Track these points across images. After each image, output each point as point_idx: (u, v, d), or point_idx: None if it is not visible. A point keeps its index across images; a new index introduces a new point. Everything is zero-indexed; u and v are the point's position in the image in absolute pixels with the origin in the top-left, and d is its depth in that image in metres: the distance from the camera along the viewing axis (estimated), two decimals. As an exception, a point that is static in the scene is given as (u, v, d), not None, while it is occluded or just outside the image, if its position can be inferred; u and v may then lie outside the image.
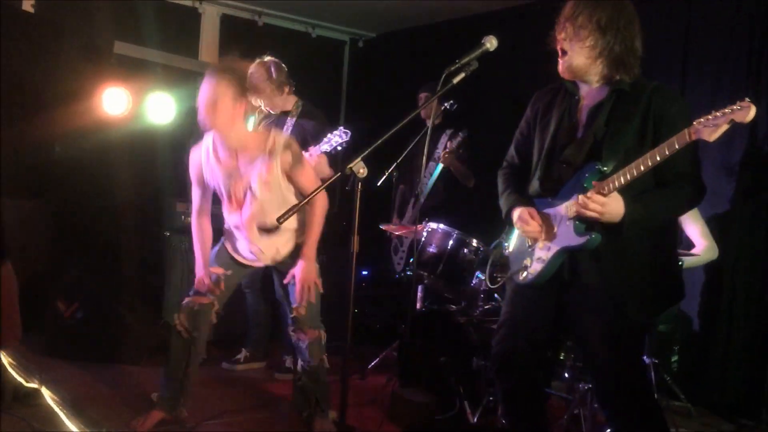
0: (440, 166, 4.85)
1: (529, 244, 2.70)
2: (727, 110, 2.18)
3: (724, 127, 2.20)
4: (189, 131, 4.65)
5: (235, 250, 3.56)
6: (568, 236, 2.54)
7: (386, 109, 6.32)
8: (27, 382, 3.81)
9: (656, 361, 3.58)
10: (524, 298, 2.71)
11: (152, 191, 5.45)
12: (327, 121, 4.49)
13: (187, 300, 3.46)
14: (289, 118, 4.47)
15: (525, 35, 5.11)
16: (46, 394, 3.73)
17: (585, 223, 2.50)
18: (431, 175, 4.98)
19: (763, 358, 3.96)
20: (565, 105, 2.68)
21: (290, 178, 3.39)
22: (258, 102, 4.35)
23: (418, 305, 4.54)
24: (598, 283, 2.51)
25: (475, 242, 4.05)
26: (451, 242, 4.06)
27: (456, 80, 2.53)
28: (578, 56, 2.54)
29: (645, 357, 3.53)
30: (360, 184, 2.39)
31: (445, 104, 4.64)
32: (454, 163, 4.82)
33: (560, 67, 2.60)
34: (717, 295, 4.38)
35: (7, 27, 4.48)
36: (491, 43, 2.57)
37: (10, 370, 3.83)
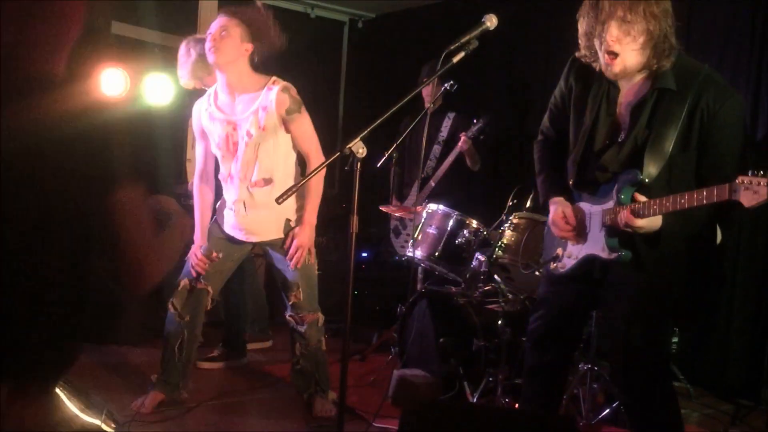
0: (455, 150, 4.81)
1: None
2: None
3: (763, 200, 2.04)
4: (188, 112, 4.61)
5: (228, 223, 3.49)
6: (598, 245, 2.47)
7: (386, 90, 6.29)
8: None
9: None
10: (559, 284, 2.68)
11: (150, 172, 5.42)
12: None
13: (182, 284, 3.45)
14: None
15: (526, 14, 5.08)
16: (47, 375, 3.73)
17: (617, 237, 2.41)
18: (436, 158, 4.96)
19: (763, 339, 3.96)
20: (602, 93, 2.48)
21: (287, 128, 3.36)
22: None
23: (418, 286, 4.54)
24: (638, 292, 2.45)
25: (475, 223, 4.04)
26: (450, 223, 4.04)
27: (456, 59, 2.50)
28: (633, 56, 2.31)
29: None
30: (359, 164, 2.37)
31: (446, 85, 4.60)
32: (471, 149, 4.79)
33: (612, 71, 2.37)
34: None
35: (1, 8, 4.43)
36: (491, 21, 2.52)
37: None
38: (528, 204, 3.86)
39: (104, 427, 3.17)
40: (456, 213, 4.07)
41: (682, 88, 2.32)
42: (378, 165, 4.73)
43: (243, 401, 3.70)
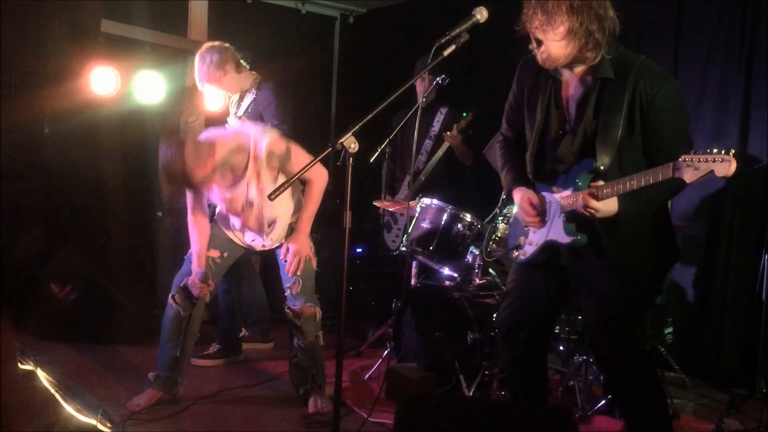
0: (445, 145, 4.81)
1: (525, 224, 2.72)
2: (710, 158, 2.17)
3: (705, 175, 2.18)
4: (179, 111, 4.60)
5: (233, 232, 3.57)
6: (558, 232, 2.58)
7: (378, 85, 6.28)
8: (22, 364, 3.81)
9: (651, 332, 3.59)
10: (525, 273, 2.76)
11: (142, 171, 5.42)
12: (282, 92, 4.25)
13: (184, 281, 3.46)
14: (248, 94, 4.24)
15: (516, 7, 5.07)
16: (42, 376, 3.73)
17: (575, 222, 2.52)
18: (428, 153, 4.95)
19: (756, 328, 3.97)
20: (549, 90, 2.60)
21: (285, 174, 3.39)
22: (218, 90, 4.20)
23: (413, 281, 4.54)
24: (604, 274, 2.52)
25: (469, 217, 4.04)
26: (444, 217, 4.04)
27: (447, 53, 2.50)
28: (555, 47, 2.42)
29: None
30: (351, 159, 2.37)
31: (437, 79, 4.59)
32: (461, 144, 4.79)
33: (539, 59, 2.49)
34: (711, 266, 4.39)
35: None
36: (482, 14, 2.53)
37: (6, 353, 3.82)
38: None
39: (100, 426, 3.18)
40: (450, 207, 4.07)
41: (620, 77, 2.44)
42: (371, 160, 4.73)
43: (239, 398, 3.70)
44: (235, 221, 3.54)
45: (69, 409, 3.35)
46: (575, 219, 2.52)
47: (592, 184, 2.43)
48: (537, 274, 2.71)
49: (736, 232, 4.26)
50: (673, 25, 4.51)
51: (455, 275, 4.09)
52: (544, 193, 2.65)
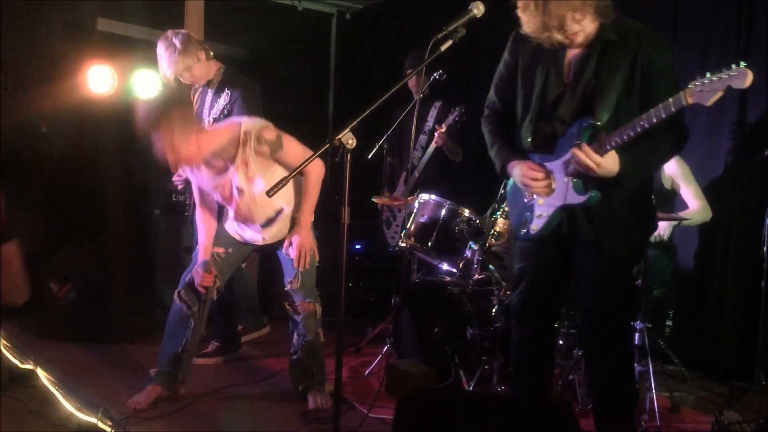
0: (433, 144, 4.81)
1: (527, 199, 2.74)
2: (723, 75, 2.17)
3: (720, 93, 2.20)
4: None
5: (236, 230, 3.57)
6: (567, 194, 2.58)
7: (376, 81, 6.27)
8: (22, 363, 3.82)
9: (649, 326, 3.59)
10: (531, 253, 2.79)
11: (140, 170, 5.41)
12: (255, 86, 4.09)
13: (190, 276, 3.47)
14: (210, 89, 4.07)
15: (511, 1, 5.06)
16: (42, 374, 3.73)
17: (583, 180, 2.54)
18: (422, 148, 4.95)
19: (755, 320, 3.98)
20: (549, 57, 2.63)
21: (277, 162, 3.37)
22: (187, 80, 4.03)
23: (412, 277, 4.54)
24: (595, 240, 2.60)
25: (467, 212, 4.04)
26: (443, 212, 4.04)
27: (444, 48, 2.50)
28: (588, 23, 2.46)
29: (638, 322, 3.54)
30: (349, 155, 2.37)
31: (434, 74, 4.59)
32: (447, 143, 4.79)
33: (576, 42, 2.52)
34: (710, 259, 4.40)
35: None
36: (478, 9, 2.52)
37: (5, 352, 3.83)
38: None
39: (100, 424, 3.18)
40: (448, 202, 4.07)
41: (623, 40, 2.50)
42: (369, 156, 4.73)
43: (239, 395, 3.70)
44: (230, 212, 3.52)
45: (69, 407, 3.35)
46: (582, 177, 2.55)
47: (601, 135, 2.46)
48: (545, 250, 2.74)
49: (734, 224, 4.27)
50: (669, 20, 4.51)
51: (454, 270, 4.09)
52: (544, 163, 2.67)
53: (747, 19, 4.20)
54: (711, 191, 4.27)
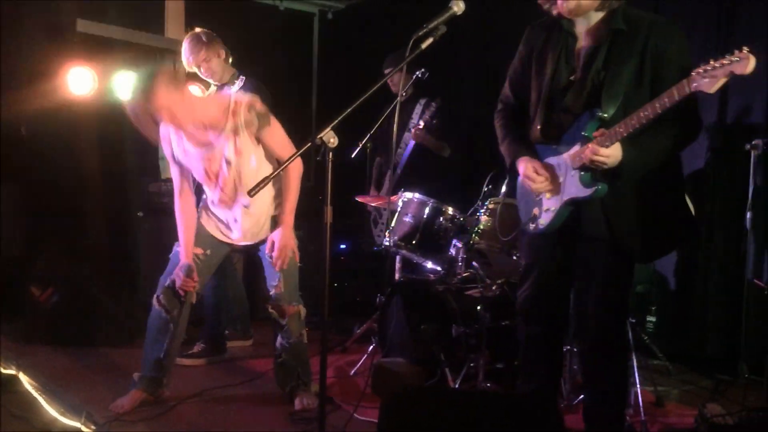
0: (411, 141, 4.82)
1: (537, 194, 2.73)
2: (725, 61, 2.14)
3: (723, 80, 2.17)
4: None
5: (216, 227, 3.53)
6: (575, 187, 2.57)
7: (358, 80, 6.24)
8: (4, 368, 3.78)
9: (633, 320, 3.60)
10: (539, 249, 2.78)
11: (122, 171, 5.38)
12: (269, 96, 4.24)
13: (169, 280, 3.43)
14: (227, 86, 4.28)
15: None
16: (24, 380, 3.70)
17: (590, 172, 2.52)
18: (406, 146, 4.95)
19: (738, 314, 4.01)
20: (561, 45, 2.63)
21: (261, 142, 3.35)
22: (207, 73, 4.24)
23: (397, 275, 4.54)
24: (606, 235, 2.56)
25: (451, 210, 4.04)
26: (427, 211, 4.04)
27: (424, 45, 2.50)
28: None
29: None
30: (331, 154, 2.36)
31: (417, 73, 4.59)
32: (426, 138, 4.80)
33: (559, 6, 2.53)
34: (693, 254, 4.42)
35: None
36: (458, 6, 2.52)
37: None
38: (503, 189, 3.87)
39: (84, 429, 3.15)
40: (432, 201, 4.07)
41: (632, 29, 2.48)
42: (352, 156, 4.72)
43: (224, 397, 3.68)
44: (213, 196, 3.45)
45: (52, 412, 3.32)
46: (588, 170, 2.52)
47: (601, 130, 2.44)
48: (552, 246, 2.72)
49: (716, 219, 4.30)
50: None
51: (439, 269, 4.09)
52: (551, 158, 2.66)
53: (729, 9, 4.22)
54: (692, 186, 4.29)
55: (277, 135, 3.38)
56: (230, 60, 4.31)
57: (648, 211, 2.57)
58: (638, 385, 3.40)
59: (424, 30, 2.49)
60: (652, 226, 2.58)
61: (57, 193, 5.13)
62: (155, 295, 3.46)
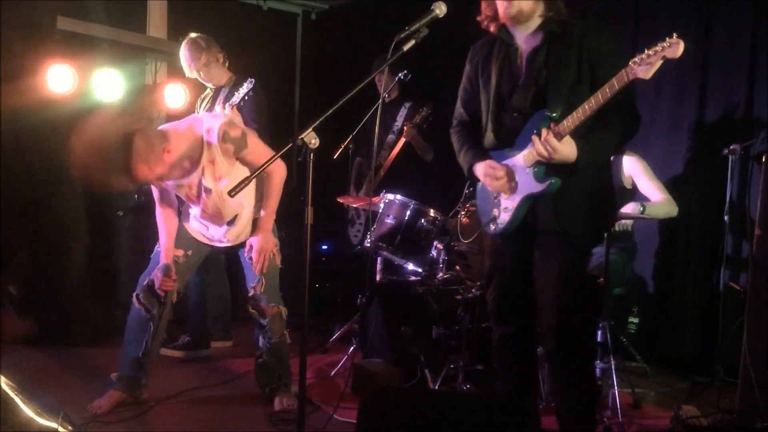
0: (402, 140, 4.82)
1: (495, 195, 2.82)
2: (658, 48, 2.32)
3: (658, 64, 2.34)
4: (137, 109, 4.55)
5: (198, 231, 3.53)
6: (529, 184, 2.68)
7: (342, 81, 6.25)
8: (-19, 370, 3.73)
9: (612, 323, 3.63)
10: (501, 250, 2.87)
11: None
12: (260, 91, 4.28)
13: (148, 279, 3.41)
14: (225, 87, 4.34)
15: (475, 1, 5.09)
16: (0, 379, 3.65)
17: (543, 167, 2.63)
18: (390, 148, 4.96)
19: (716, 316, 4.05)
20: (503, 55, 2.77)
21: (242, 162, 3.33)
22: (205, 77, 4.31)
23: (378, 277, 4.54)
24: (556, 227, 2.68)
25: (432, 212, 4.06)
26: (408, 213, 4.05)
27: (406, 47, 2.50)
28: (527, 3, 2.62)
29: (601, 320, 3.58)
30: (312, 155, 2.36)
31: (399, 75, 4.60)
32: (416, 138, 4.81)
33: (502, 13, 2.67)
34: (671, 258, 4.47)
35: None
36: (440, 9, 2.53)
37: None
38: (465, 192, 3.90)
39: (61, 430, 3.12)
40: (413, 202, 4.08)
41: (566, 32, 2.65)
42: (335, 157, 4.72)
43: (203, 398, 3.67)
44: (195, 210, 3.47)
45: (29, 412, 3.28)
46: (542, 165, 2.64)
47: (552, 125, 2.56)
48: (513, 246, 2.81)
49: (694, 222, 4.34)
50: (631, 11, 4.58)
51: (420, 270, 4.10)
52: (505, 162, 2.76)
53: (707, 11, 4.27)
54: (671, 189, 4.33)
55: (257, 151, 3.31)
56: (227, 63, 4.37)
57: (591, 206, 2.70)
58: (616, 387, 3.43)
59: (406, 32, 2.50)
60: (591, 214, 2.71)
61: (36, 192, 5.07)
62: (135, 294, 3.44)
